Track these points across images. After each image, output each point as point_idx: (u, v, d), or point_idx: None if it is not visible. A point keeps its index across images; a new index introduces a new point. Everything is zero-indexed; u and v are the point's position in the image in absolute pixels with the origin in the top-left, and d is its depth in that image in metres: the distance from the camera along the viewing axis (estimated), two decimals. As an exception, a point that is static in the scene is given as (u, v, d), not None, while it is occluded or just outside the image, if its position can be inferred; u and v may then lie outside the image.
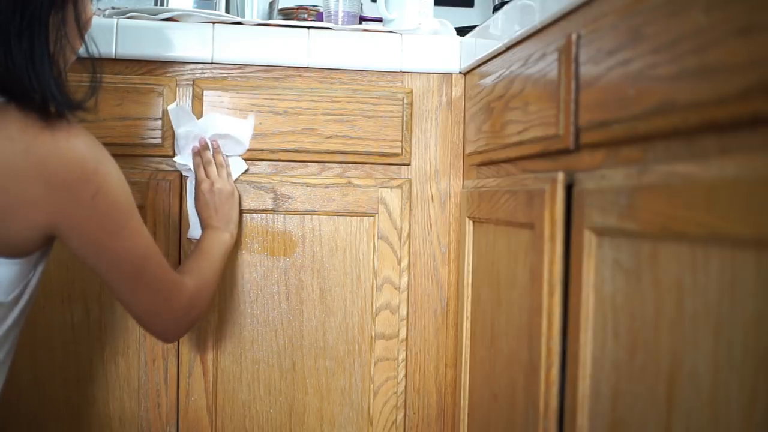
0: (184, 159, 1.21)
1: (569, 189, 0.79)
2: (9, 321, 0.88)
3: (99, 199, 0.86)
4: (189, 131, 1.20)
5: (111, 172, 0.88)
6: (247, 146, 1.24)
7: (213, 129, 1.22)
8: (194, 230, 1.21)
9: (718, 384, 0.53)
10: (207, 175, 1.19)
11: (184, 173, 1.22)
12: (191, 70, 1.24)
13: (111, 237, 0.89)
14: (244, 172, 1.24)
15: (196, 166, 1.20)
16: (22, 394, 1.20)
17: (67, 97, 0.87)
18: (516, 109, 0.97)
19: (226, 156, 1.23)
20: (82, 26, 0.91)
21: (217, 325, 1.25)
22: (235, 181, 1.23)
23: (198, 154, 1.21)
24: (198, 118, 1.22)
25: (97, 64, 0.91)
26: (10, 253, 0.84)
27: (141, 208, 1.20)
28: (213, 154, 1.21)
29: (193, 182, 1.20)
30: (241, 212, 1.24)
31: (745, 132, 0.53)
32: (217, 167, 1.21)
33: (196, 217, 1.20)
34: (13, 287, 0.87)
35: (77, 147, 0.84)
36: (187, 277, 1.01)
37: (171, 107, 1.20)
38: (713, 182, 0.53)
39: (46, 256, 0.91)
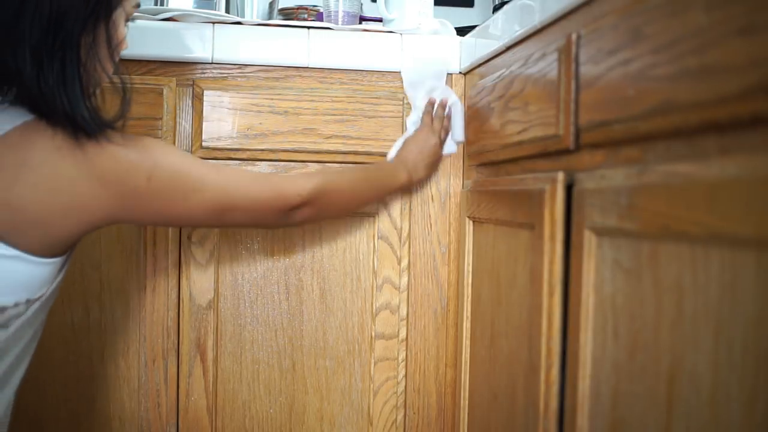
0: (415, 113, 1.27)
1: (569, 189, 0.79)
2: (29, 314, 0.89)
3: (155, 179, 0.89)
4: (435, 87, 1.26)
5: (156, 149, 0.91)
6: (460, 139, 1.27)
7: (452, 100, 1.26)
8: (394, 152, 1.25)
9: (718, 384, 0.53)
10: (431, 124, 1.23)
11: (410, 100, 1.27)
12: (191, 70, 1.24)
13: (180, 202, 0.93)
14: (450, 154, 1.28)
15: (425, 113, 1.25)
16: (22, 394, 1.19)
17: (98, 120, 0.90)
18: (516, 109, 0.97)
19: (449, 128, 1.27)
20: (113, 48, 0.92)
21: (217, 325, 1.25)
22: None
23: (432, 104, 1.25)
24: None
25: (127, 86, 0.93)
26: (50, 253, 0.87)
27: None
28: (442, 117, 1.25)
29: (414, 122, 1.25)
30: (429, 175, 1.27)
31: (745, 132, 0.53)
32: (440, 127, 1.24)
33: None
34: (43, 286, 0.89)
35: (118, 142, 0.87)
36: (307, 180, 1.04)
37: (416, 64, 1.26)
38: (713, 182, 0.53)
39: (71, 257, 0.94)
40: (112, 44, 0.91)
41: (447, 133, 1.26)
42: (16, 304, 0.86)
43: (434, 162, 1.25)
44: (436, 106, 1.25)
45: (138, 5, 0.95)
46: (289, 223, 1.06)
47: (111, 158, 0.86)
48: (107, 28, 0.89)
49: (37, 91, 0.84)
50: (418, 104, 1.26)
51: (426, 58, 1.26)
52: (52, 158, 0.84)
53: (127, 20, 0.93)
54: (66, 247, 0.89)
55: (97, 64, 0.89)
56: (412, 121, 1.26)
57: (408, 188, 1.25)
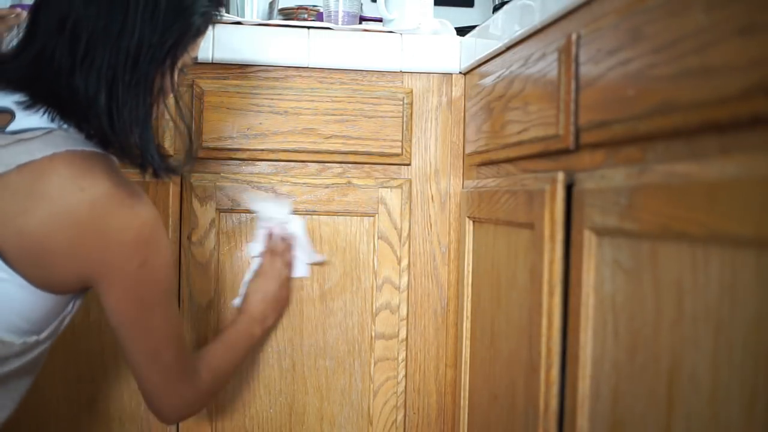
0: (257, 247, 1.21)
1: (569, 189, 0.79)
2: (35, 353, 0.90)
3: (144, 270, 0.88)
4: (272, 218, 1.21)
5: (162, 250, 0.90)
6: (313, 260, 1.24)
7: (295, 228, 1.22)
8: (240, 301, 1.20)
9: (718, 384, 0.53)
10: (273, 266, 1.18)
11: (252, 255, 1.22)
12: (191, 70, 1.24)
13: (142, 310, 0.91)
14: (302, 277, 1.24)
15: (266, 253, 1.19)
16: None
17: (165, 162, 0.92)
18: (516, 109, 0.97)
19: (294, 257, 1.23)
20: (176, 94, 0.94)
21: (217, 325, 1.25)
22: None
23: (271, 240, 1.20)
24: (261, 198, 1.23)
25: (193, 136, 0.95)
26: (50, 289, 0.86)
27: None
28: (283, 251, 1.20)
29: (257, 252, 1.20)
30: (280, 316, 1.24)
31: (745, 132, 0.53)
32: (282, 264, 1.20)
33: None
34: (50, 320, 0.89)
35: (141, 214, 0.86)
36: (204, 372, 1.01)
37: (258, 200, 1.21)
38: (713, 182, 0.53)
39: (82, 296, 0.93)
40: (174, 89, 0.93)
41: (290, 266, 1.21)
42: (24, 343, 0.87)
43: (280, 306, 1.22)
44: (276, 240, 1.21)
45: (196, 59, 0.96)
46: (180, 415, 1.04)
47: (124, 220, 0.85)
48: (172, 73, 0.91)
49: (108, 126, 0.86)
50: (261, 239, 1.21)
51: (272, 200, 1.22)
52: (75, 197, 0.83)
53: (182, 70, 0.95)
54: (65, 290, 0.88)
55: (163, 107, 0.92)
56: (256, 251, 1.22)
57: (262, 339, 1.21)
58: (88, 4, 0.85)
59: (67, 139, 0.86)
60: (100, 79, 0.85)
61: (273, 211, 1.21)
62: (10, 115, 0.86)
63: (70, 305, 0.92)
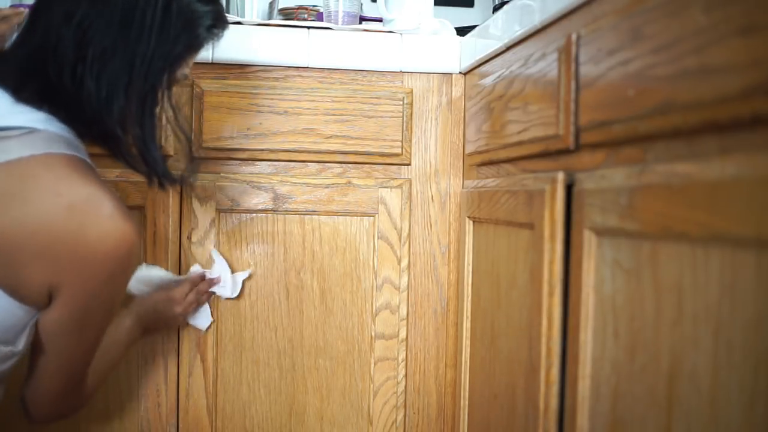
0: (197, 269, 1.22)
1: (569, 189, 0.79)
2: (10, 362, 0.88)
3: (108, 286, 0.85)
4: (220, 270, 1.22)
5: (128, 270, 0.88)
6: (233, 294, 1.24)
7: (222, 272, 1.23)
8: (133, 286, 1.16)
9: (718, 384, 0.53)
10: (185, 299, 1.16)
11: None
12: (191, 70, 1.24)
13: (82, 327, 0.88)
14: (200, 328, 1.23)
15: (189, 282, 1.18)
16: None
17: (171, 174, 0.91)
18: (516, 109, 0.97)
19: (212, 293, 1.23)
20: (174, 106, 0.94)
21: (217, 325, 1.25)
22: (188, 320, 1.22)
23: (198, 281, 1.19)
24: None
25: (193, 148, 0.95)
26: (18, 296, 0.82)
27: (141, 207, 1.21)
28: (201, 292, 1.19)
29: (174, 287, 1.18)
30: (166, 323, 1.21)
31: (745, 132, 0.53)
32: (193, 299, 1.18)
33: (144, 283, 1.16)
34: (18, 332, 0.86)
35: (121, 226, 0.82)
36: (90, 378, 0.97)
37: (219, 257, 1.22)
38: (713, 182, 0.53)
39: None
40: (171, 101, 0.93)
41: (194, 308, 1.20)
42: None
43: (166, 326, 1.18)
44: (199, 285, 1.19)
45: (186, 77, 0.96)
46: (56, 417, 0.98)
47: (102, 231, 0.81)
48: (169, 85, 0.91)
49: (119, 129, 0.85)
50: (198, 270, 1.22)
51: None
52: (49, 202, 0.80)
53: (176, 83, 0.94)
54: (34, 300, 0.84)
55: (163, 117, 0.92)
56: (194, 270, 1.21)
57: (138, 340, 1.15)
58: (96, 3, 0.83)
59: (48, 141, 0.83)
60: (114, 83, 0.83)
61: (224, 267, 1.22)
62: None
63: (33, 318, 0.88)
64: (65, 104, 0.85)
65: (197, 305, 1.20)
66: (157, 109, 0.90)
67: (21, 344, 0.87)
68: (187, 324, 1.22)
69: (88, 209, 0.81)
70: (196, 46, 0.92)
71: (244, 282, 1.24)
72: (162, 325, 1.17)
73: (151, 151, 0.89)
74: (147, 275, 1.16)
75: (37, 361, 0.90)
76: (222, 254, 1.23)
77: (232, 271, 1.23)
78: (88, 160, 0.88)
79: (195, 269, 1.21)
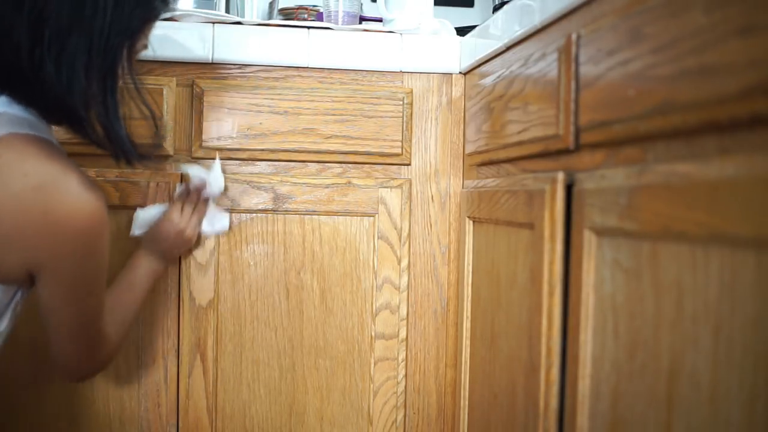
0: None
1: (569, 189, 0.79)
2: None
3: (87, 261, 0.86)
4: (200, 177, 1.19)
5: (104, 242, 0.88)
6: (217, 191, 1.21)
7: (215, 189, 1.20)
8: (137, 230, 1.17)
9: (718, 383, 0.53)
10: (181, 215, 1.16)
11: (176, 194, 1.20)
12: (191, 70, 1.24)
13: (78, 298, 0.89)
14: (221, 232, 1.23)
15: (179, 201, 1.17)
16: (22, 394, 1.20)
17: (137, 150, 0.90)
18: (516, 109, 0.97)
19: (211, 206, 1.21)
20: (136, 80, 0.92)
21: (217, 325, 1.25)
22: (208, 236, 1.23)
23: (187, 193, 1.18)
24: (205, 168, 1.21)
25: (159, 121, 0.93)
26: None
27: (141, 207, 1.21)
28: (198, 200, 1.18)
29: (171, 204, 1.18)
30: (190, 250, 1.22)
31: (745, 132, 0.53)
32: (194, 212, 1.18)
33: (146, 223, 1.16)
34: (3, 311, 0.87)
35: (91, 201, 0.83)
36: (112, 330, 1.00)
37: (190, 169, 1.19)
38: (713, 182, 0.53)
39: (28, 291, 0.90)
40: (133, 76, 0.91)
41: (200, 218, 1.19)
42: None
43: (184, 248, 1.18)
44: (192, 195, 1.18)
45: (146, 47, 0.95)
46: (91, 374, 1.03)
47: (71, 208, 0.82)
48: (129, 59, 0.90)
49: (82, 108, 0.84)
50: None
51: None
52: (19, 182, 0.80)
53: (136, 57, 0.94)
54: (11, 277, 0.84)
55: (125, 93, 0.90)
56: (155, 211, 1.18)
57: (164, 273, 1.19)
58: None
59: (11, 123, 0.82)
60: (73, 63, 0.82)
61: (201, 173, 1.19)
62: None
63: (18, 295, 0.88)
64: (25, 88, 0.85)
65: (199, 215, 1.19)
66: (120, 84, 0.89)
67: (2, 325, 0.87)
68: (207, 236, 1.22)
69: (55, 188, 0.81)
70: (153, 17, 0.91)
71: (226, 182, 1.22)
72: (178, 248, 1.17)
73: (116, 128, 0.88)
74: (145, 217, 1.17)
75: (49, 332, 0.93)
76: (193, 166, 1.20)
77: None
78: (53, 140, 0.88)
79: (179, 190, 1.19)
